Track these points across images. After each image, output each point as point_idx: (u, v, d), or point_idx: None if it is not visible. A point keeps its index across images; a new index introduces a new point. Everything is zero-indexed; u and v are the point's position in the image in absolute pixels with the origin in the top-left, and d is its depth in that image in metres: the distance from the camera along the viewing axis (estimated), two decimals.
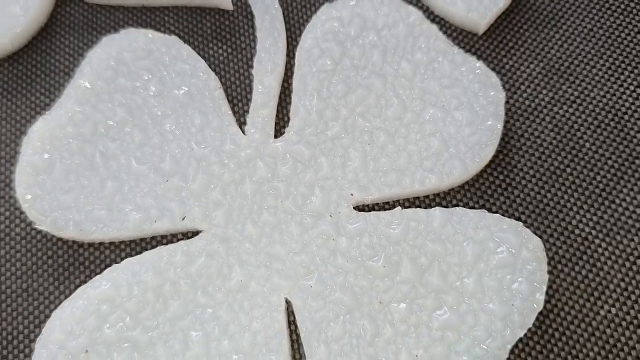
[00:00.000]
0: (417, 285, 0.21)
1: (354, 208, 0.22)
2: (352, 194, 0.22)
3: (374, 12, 0.25)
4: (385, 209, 0.22)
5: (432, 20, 0.26)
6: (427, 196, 0.23)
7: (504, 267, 0.21)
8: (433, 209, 0.22)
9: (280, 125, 0.24)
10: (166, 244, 0.23)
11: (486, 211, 0.22)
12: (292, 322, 0.21)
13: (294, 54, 0.25)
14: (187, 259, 0.22)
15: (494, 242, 0.21)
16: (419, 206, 0.23)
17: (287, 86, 0.25)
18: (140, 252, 0.22)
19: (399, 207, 0.22)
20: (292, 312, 0.21)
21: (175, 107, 0.24)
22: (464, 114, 0.23)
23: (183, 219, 0.22)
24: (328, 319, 0.21)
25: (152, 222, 0.22)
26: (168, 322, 0.21)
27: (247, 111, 0.24)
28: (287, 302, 0.21)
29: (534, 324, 0.21)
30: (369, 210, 0.23)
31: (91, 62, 0.24)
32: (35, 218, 0.22)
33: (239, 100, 0.25)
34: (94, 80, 0.24)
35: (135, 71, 0.24)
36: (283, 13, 0.26)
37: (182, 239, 0.22)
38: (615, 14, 0.25)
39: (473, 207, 0.22)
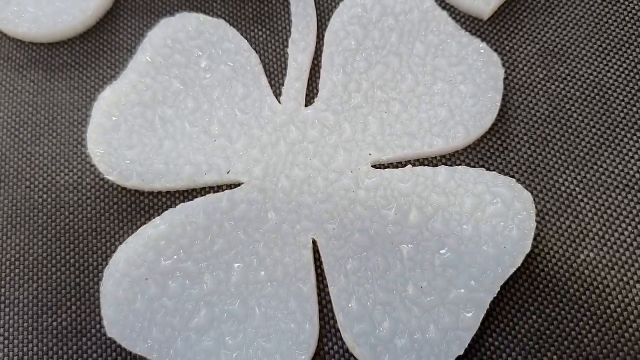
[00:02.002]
0: (424, 230, 0.23)
1: (372, 166, 0.24)
2: (370, 154, 0.24)
3: (393, 0, 0.27)
4: (398, 168, 0.24)
5: (443, 8, 0.27)
6: (435, 158, 0.25)
7: (498, 216, 0.22)
8: (439, 167, 0.24)
9: (311, 96, 0.26)
10: (214, 193, 0.24)
11: (484, 169, 0.23)
12: (317, 259, 0.23)
13: (323, 36, 0.27)
14: (231, 205, 0.24)
15: (490, 195, 0.23)
16: (427, 166, 0.25)
17: (317, 63, 0.27)
18: (192, 200, 0.24)
19: (410, 165, 0.24)
20: (317, 251, 0.23)
21: (222, 80, 0.26)
22: (468, 88, 0.25)
23: (228, 173, 0.24)
24: (347, 255, 0.23)
25: (203, 175, 0.24)
26: (215, 256, 0.23)
27: (283, 84, 0.26)
28: (314, 242, 0.23)
29: (523, 265, 0.22)
30: (385, 169, 0.24)
31: (151, 41, 0.26)
32: (105, 170, 0.24)
33: (276, 75, 0.27)
34: (154, 56, 0.26)
35: (188, 49, 0.26)
36: (315, 0, 0.28)
37: (227, 190, 0.24)
38: (604, 4, 0.27)
39: (474, 167, 0.24)
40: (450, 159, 0.25)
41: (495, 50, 0.26)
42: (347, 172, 0.24)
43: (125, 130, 0.25)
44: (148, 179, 0.24)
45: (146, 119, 0.25)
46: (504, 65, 0.26)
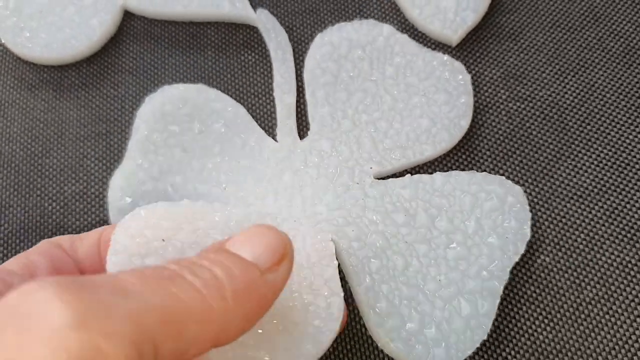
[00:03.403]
0: (432, 229, 0.24)
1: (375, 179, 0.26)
2: (371, 167, 0.26)
3: (356, 34, 0.28)
4: (397, 177, 0.26)
5: (415, 35, 0.29)
6: (429, 166, 0.27)
7: (495, 211, 0.24)
8: (435, 173, 0.25)
9: (303, 131, 0.27)
10: None
11: (475, 171, 0.25)
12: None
13: (302, 76, 0.28)
14: (245, 217, 0.22)
15: (484, 193, 0.25)
16: (424, 172, 0.26)
17: (300, 99, 0.28)
18: None
19: (408, 174, 0.25)
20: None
21: (218, 137, 0.27)
22: (441, 96, 0.26)
23: (225, 188, 0.25)
24: (369, 256, 0.24)
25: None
26: None
27: (275, 124, 0.28)
28: (333, 241, 0.23)
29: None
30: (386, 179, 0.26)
31: (142, 118, 0.27)
32: None
33: (267, 116, 0.29)
34: (149, 132, 0.26)
35: (179, 118, 0.27)
36: (292, 46, 0.29)
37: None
38: (563, 32, 0.29)
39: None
40: (439, 164, 0.27)
41: None
42: (352, 185, 0.25)
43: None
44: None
45: (158, 191, 0.26)
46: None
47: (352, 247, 0.24)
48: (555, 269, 0.25)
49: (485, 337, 0.22)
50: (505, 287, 0.24)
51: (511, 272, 0.24)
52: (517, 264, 0.24)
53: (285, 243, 0.18)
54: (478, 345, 0.22)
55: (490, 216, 0.24)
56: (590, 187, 0.26)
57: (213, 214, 0.21)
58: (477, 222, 0.24)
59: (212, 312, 0.16)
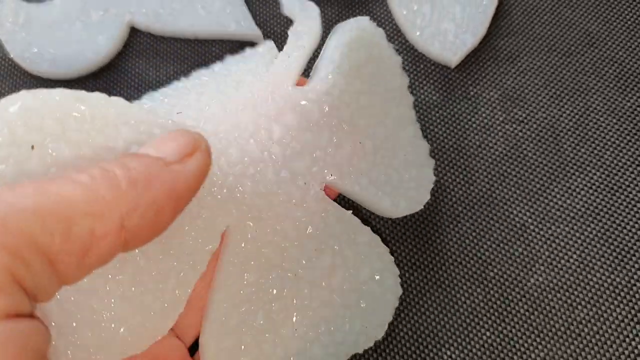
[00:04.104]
0: (325, 277, 0.22)
1: (325, 187, 0.22)
2: (331, 175, 0.22)
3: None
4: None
5: (416, 56, 0.30)
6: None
7: (374, 298, 0.22)
8: (366, 228, 0.23)
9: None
10: None
11: (388, 250, 0.23)
12: None
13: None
14: None
15: (380, 276, 0.22)
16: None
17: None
18: None
19: (351, 211, 0.22)
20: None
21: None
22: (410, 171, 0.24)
23: (178, 113, 0.21)
24: (249, 261, 0.21)
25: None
26: None
27: None
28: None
29: (478, 287, 0.25)
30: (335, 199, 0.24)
31: None
32: None
33: None
34: None
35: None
36: None
37: None
38: (560, 55, 0.29)
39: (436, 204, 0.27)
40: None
41: (461, 95, 0.29)
42: (300, 180, 0.21)
43: None
44: None
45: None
46: (467, 109, 0.28)
47: (241, 242, 0.21)
48: (547, 289, 0.25)
49: None
50: (499, 306, 0.24)
51: (490, 299, 0.24)
52: (511, 283, 0.25)
53: (196, 139, 0.17)
54: None
55: (368, 300, 0.22)
56: (583, 209, 0.26)
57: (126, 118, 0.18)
58: (357, 298, 0.22)
59: (103, 202, 0.14)
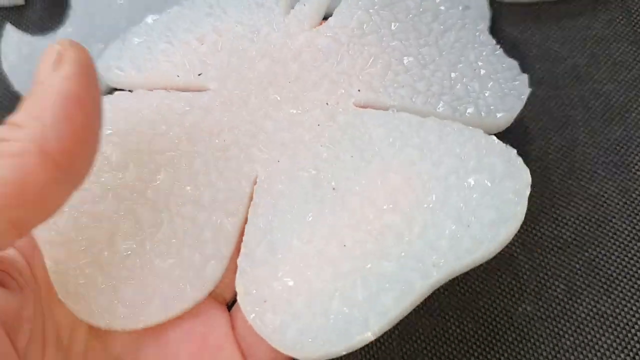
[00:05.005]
0: (378, 182, 0.19)
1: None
2: (359, 90, 0.21)
3: None
4: None
5: None
6: None
7: (478, 188, 0.18)
8: (428, 118, 0.20)
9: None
10: None
11: (483, 132, 0.20)
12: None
13: None
14: (188, 109, 0.21)
15: (476, 162, 0.19)
16: None
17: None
18: None
19: (393, 109, 0.21)
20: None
21: None
22: (487, 69, 0.22)
23: (199, 75, 0.22)
24: (282, 194, 0.20)
25: (175, 76, 0.22)
26: (147, 152, 0.20)
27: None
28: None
29: (468, 315, 0.25)
30: None
31: None
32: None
33: None
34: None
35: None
36: None
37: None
38: (547, 89, 0.30)
39: None
40: None
41: None
42: (323, 104, 0.21)
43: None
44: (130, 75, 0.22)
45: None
46: None
47: (271, 179, 0.20)
48: (535, 317, 0.26)
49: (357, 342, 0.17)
50: (488, 334, 0.25)
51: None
52: (500, 312, 0.26)
53: (57, 49, 0.17)
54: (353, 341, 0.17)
55: (466, 193, 0.18)
56: (570, 240, 0.27)
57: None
58: (444, 194, 0.18)
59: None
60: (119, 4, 0.32)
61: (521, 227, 0.27)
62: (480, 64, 0.23)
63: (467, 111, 0.21)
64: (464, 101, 0.21)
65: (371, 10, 0.22)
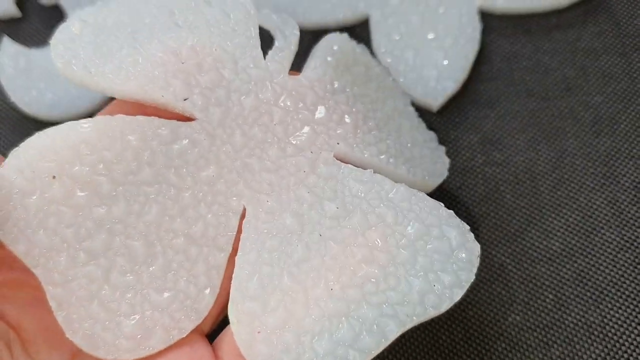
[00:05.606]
0: (359, 235, 0.20)
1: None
2: (338, 143, 0.22)
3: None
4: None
5: None
6: None
7: (440, 254, 0.20)
8: (400, 184, 0.22)
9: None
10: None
11: (443, 205, 0.22)
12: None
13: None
14: (173, 137, 0.21)
15: (438, 231, 0.21)
16: None
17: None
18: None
19: (371, 170, 0.22)
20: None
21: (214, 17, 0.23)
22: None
23: (185, 100, 0.21)
24: (270, 232, 0.21)
25: (158, 91, 0.21)
26: (135, 184, 0.20)
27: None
28: (245, 209, 0.21)
29: (458, 325, 0.25)
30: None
31: None
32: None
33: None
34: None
35: None
36: None
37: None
38: (537, 101, 0.30)
39: None
40: None
41: (442, 138, 0.30)
42: (306, 151, 0.22)
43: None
44: (98, 78, 0.21)
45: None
46: (448, 152, 0.29)
47: (259, 218, 0.21)
48: (524, 328, 0.26)
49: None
50: (478, 344, 0.25)
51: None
52: (490, 322, 0.26)
53: None
54: None
55: (431, 256, 0.20)
56: (559, 250, 0.27)
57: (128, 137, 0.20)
58: (413, 254, 0.20)
59: None
60: None
61: (511, 237, 0.28)
62: (413, 133, 0.25)
63: (417, 174, 0.24)
64: (415, 164, 0.24)
65: (338, 71, 0.24)
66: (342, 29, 0.33)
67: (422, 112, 0.31)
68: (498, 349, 0.26)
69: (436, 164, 0.25)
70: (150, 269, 0.20)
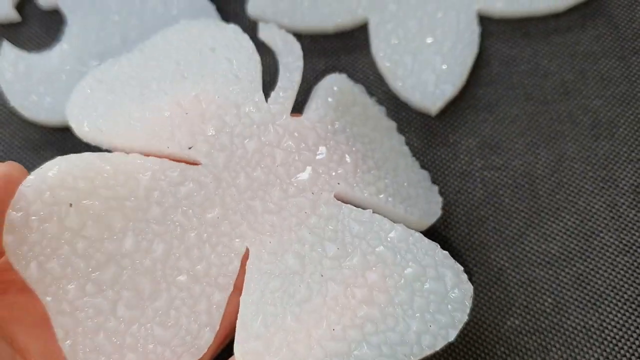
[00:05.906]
0: (359, 275, 0.21)
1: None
2: (338, 183, 0.23)
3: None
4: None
5: (398, 104, 0.31)
6: None
7: (435, 295, 0.21)
8: (398, 224, 0.22)
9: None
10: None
11: (439, 246, 0.22)
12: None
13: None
14: (182, 179, 0.22)
15: (434, 272, 0.21)
16: None
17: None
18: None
19: (370, 210, 0.23)
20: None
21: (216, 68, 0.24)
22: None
23: (189, 148, 0.22)
24: (273, 273, 0.21)
25: (163, 142, 0.22)
26: (145, 221, 0.21)
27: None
28: (248, 250, 0.22)
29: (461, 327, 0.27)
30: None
31: None
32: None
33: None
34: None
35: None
36: None
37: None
38: (536, 105, 0.30)
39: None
40: None
41: (441, 142, 0.30)
42: (307, 192, 0.23)
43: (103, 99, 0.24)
44: (108, 136, 0.23)
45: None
46: (446, 156, 0.29)
47: (262, 259, 0.22)
48: (523, 332, 0.26)
49: None
50: (477, 348, 0.25)
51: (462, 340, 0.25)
52: (488, 325, 0.26)
53: None
54: None
55: (427, 297, 0.21)
56: (558, 254, 0.27)
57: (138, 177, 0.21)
58: (410, 295, 0.21)
59: None
60: (114, 21, 0.32)
61: (509, 241, 0.28)
62: (408, 172, 0.27)
63: (415, 214, 0.24)
64: (411, 203, 0.25)
65: (338, 111, 0.25)
66: (340, 33, 0.33)
67: (421, 116, 0.31)
68: (497, 353, 0.26)
69: (430, 202, 0.26)
70: (155, 304, 0.21)
